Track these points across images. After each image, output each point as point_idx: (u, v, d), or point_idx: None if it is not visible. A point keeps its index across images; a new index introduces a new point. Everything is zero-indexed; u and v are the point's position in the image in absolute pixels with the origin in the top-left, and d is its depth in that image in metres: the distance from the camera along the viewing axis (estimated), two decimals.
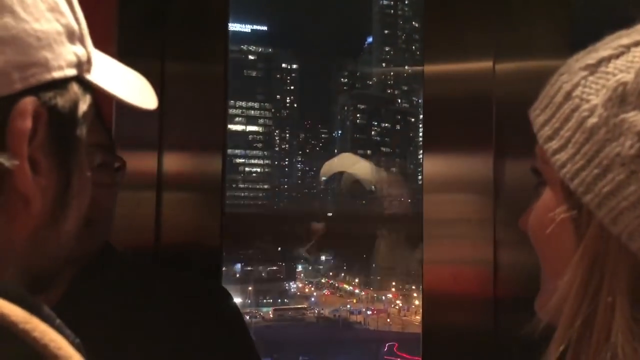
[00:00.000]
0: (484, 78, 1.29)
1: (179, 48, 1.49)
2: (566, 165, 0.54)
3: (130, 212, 1.34)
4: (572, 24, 1.26)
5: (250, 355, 1.08)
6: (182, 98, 1.47)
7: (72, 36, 0.48)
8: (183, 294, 1.04)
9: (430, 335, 1.32)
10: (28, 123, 0.43)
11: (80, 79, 0.49)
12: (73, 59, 0.47)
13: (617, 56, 0.54)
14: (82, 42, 0.49)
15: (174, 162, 1.48)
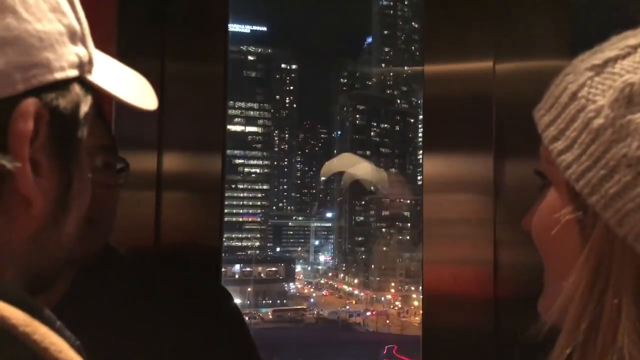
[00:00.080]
0: (484, 78, 1.29)
1: (179, 48, 1.49)
2: (572, 166, 0.53)
3: (130, 212, 1.34)
4: (572, 24, 1.26)
5: (251, 354, 1.08)
6: (182, 98, 1.47)
7: (74, 37, 0.48)
8: (183, 294, 1.04)
9: (430, 335, 1.32)
10: (30, 124, 0.43)
11: (81, 80, 0.49)
12: (75, 59, 0.47)
13: (624, 57, 0.53)
14: (83, 42, 0.49)
15: (173, 162, 1.48)
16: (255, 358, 1.09)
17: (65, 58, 0.46)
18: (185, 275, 1.18)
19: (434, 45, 1.35)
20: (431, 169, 1.34)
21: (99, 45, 0.53)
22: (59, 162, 0.47)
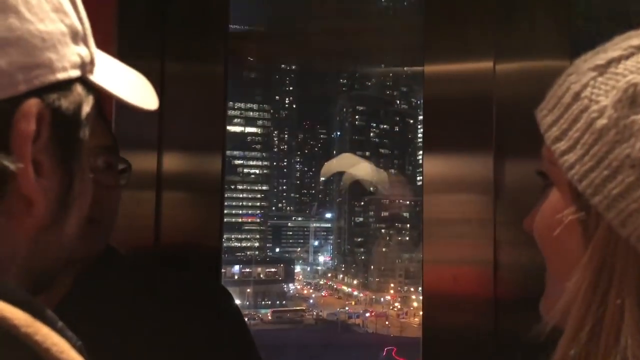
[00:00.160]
0: (484, 78, 1.30)
1: (179, 48, 1.49)
2: (575, 167, 0.53)
3: (130, 212, 1.34)
4: (572, 25, 1.26)
5: (251, 354, 1.08)
6: (182, 98, 1.47)
7: (76, 37, 0.48)
8: (184, 294, 1.04)
9: (430, 335, 1.32)
10: (32, 125, 0.42)
11: (83, 80, 0.49)
12: (77, 60, 0.47)
13: (627, 57, 0.53)
14: (85, 42, 0.49)
15: (173, 162, 1.48)
16: (256, 358, 1.09)
17: (68, 58, 0.46)
18: (186, 275, 1.18)
19: (435, 46, 1.35)
20: (431, 169, 1.34)
21: (99, 45, 0.53)
22: (60, 163, 0.47)
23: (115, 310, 0.94)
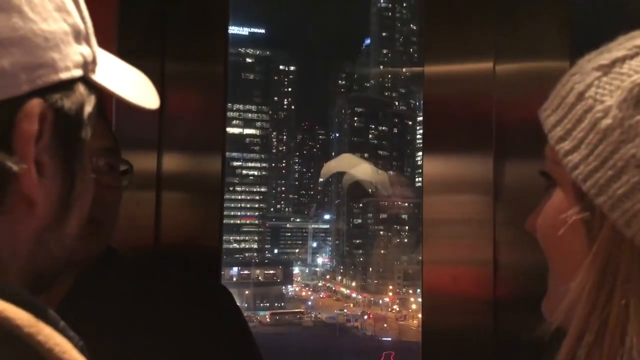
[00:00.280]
0: (484, 79, 1.30)
1: (180, 49, 1.49)
2: (579, 167, 0.53)
3: (130, 212, 1.33)
4: (572, 25, 1.26)
5: (252, 354, 1.08)
6: (182, 99, 1.47)
7: (79, 36, 0.47)
8: (184, 294, 1.04)
9: (430, 335, 1.32)
10: (35, 125, 0.42)
11: (85, 80, 0.49)
12: (79, 59, 0.47)
13: (632, 57, 0.53)
14: (87, 41, 0.49)
15: (173, 163, 1.48)
16: (257, 357, 1.09)
17: (70, 58, 0.46)
18: (186, 275, 1.18)
19: (434, 46, 1.35)
20: (431, 169, 1.34)
21: (100, 46, 0.53)
22: (62, 163, 0.47)
23: (116, 310, 0.94)
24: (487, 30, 1.30)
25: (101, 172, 0.92)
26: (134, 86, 0.57)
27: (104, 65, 0.52)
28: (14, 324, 0.36)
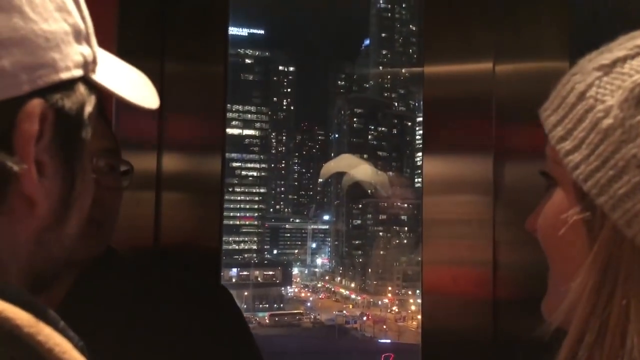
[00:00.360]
0: (484, 79, 1.30)
1: (179, 49, 1.49)
2: (580, 167, 0.53)
3: (129, 212, 1.33)
4: (572, 25, 1.26)
5: (252, 354, 1.08)
6: (182, 99, 1.47)
7: (79, 36, 0.47)
8: (184, 294, 1.04)
9: (430, 335, 1.32)
10: (35, 126, 0.42)
11: (86, 80, 0.49)
12: (80, 59, 0.47)
13: (633, 57, 0.53)
14: (88, 41, 0.49)
15: (173, 163, 1.48)
16: (257, 357, 1.09)
17: (71, 58, 0.46)
18: (186, 276, 1.18)
19: (434, 46, 1.35)
20: (431, 169, 1.34)
21: (100, 46, 0.53)
22: (62, 163, 0.47)
23: (116, 310, 0.93)
24: (487, 31, 1.30)
25: (101, 173, 0.92)
26: (134, 86, 0.57)
27: (104, 65, 0.52)
28: (14, 324, 0.36)
